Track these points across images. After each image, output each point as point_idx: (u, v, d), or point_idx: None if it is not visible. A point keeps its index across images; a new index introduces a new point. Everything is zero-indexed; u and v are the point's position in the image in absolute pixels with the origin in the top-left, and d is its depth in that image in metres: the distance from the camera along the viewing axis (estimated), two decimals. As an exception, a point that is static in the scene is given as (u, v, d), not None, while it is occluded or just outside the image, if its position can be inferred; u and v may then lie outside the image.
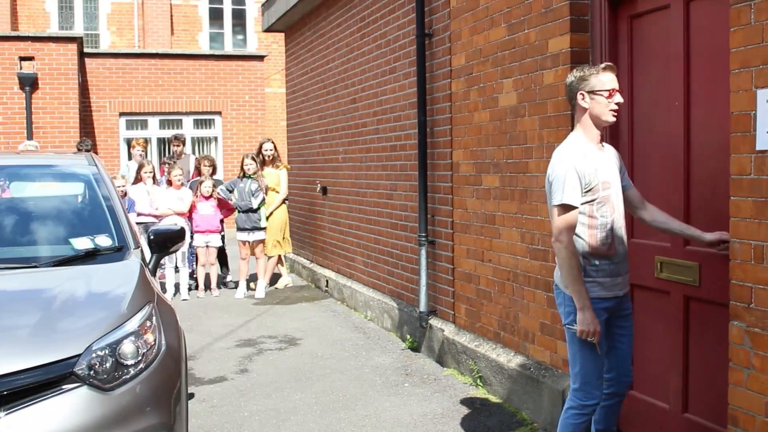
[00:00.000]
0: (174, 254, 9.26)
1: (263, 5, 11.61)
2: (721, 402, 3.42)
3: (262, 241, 9.59)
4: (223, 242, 10.19)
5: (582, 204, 3.41)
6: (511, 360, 5.15)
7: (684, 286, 3.80)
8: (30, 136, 13.46)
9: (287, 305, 8.95)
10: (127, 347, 3.25)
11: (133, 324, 3.36)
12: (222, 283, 10.27)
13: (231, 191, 9.56)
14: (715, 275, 3.57)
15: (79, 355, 3.11)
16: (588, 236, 3.45)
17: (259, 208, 9.51)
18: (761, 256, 3.07)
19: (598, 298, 3.43)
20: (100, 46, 21.76)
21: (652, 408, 4.10)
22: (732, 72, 3.16)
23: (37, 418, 2.95)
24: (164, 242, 4.33)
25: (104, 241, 4.12)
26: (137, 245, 4.19)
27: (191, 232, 9.58)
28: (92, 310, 3.47)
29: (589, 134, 3.53)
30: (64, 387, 3.05)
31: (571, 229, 3.40)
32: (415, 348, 6.67)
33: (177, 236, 4.38)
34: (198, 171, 10.10)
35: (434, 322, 6.35)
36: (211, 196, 9.61)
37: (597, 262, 3.46)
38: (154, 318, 3.49)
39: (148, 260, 4.30)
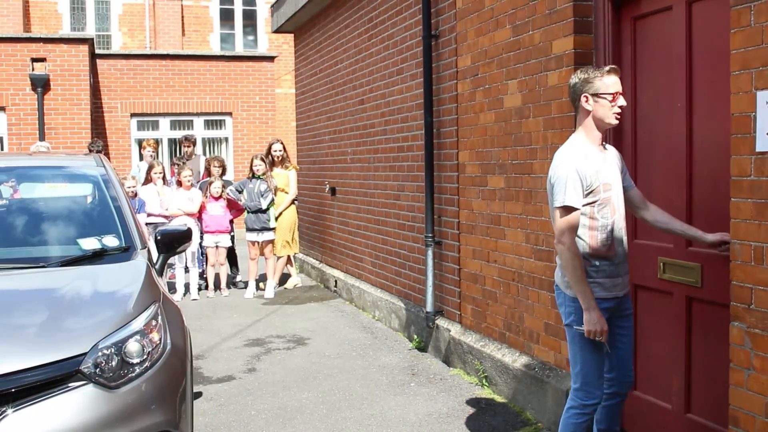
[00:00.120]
0: (184, 254, 9.36)
1: (272, 6, 11.66)
2: (723, 402, 3.43)
3: (272, 242, 9.64)
4: (232, 242, 10.25)
5: (583, 206, 3.43)
6: (516, 360, 5.17)
7: (686, 287, 3.82)
8: (42, 137, 13.56)
9: (296, 305, 8.99)
10: (133, 346, 3.30)
11: (138, 323, 3.40)
12: (231, 283, 10.33)
13: (240, 192, 9.62)
14: (716, 276, 3.58)
15: (85, 354, 3.16)
16: (588, 237, 3.47)
17: (268, 209, 9.56)
18: (761, 257, 3.08)
19: (598, 299, 3.45)
20: (111, 47, 21.89)
21: (655, 408, 4.11)
22: (732, 74, 3.17)
23: (43, 416, 3.00)
24: (171, 242, 4.37)
25: (111, 241, 4.18)
26: (144, 245, 4.24)
27: (201, 233, 9.65)
28: (98, 309, 3.52)
29: (591, 136, 3.54)
30: (70, 385, 3.10)
31: (573, 230, 3.42)
32: (422, 348, 6.69)
33: (184, 236, 4.42)
34: (208, 172, 10.17)
35: (441, 322, 6.38)
36: (220, 196, 9.67)
37: (597, 263, 3.48)
38: (159, 317, 3.54)
39: (155, 260, 4.35)
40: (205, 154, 14.97)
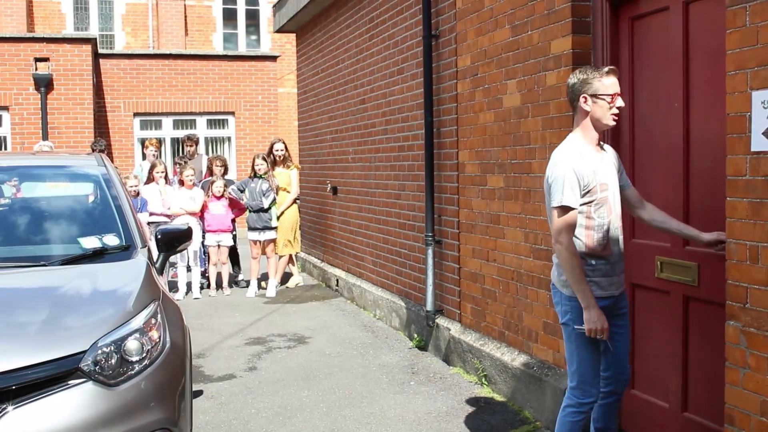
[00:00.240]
0: (186, 254, 9.40)
1: (275, 6, 11.69)
2: (719, 401, 3.44)
3: (273, 241, 9.67)
4: (234, 241, 10.28)
5: (580, 205, 3.45)
6: (515, 359, 5.19)
7: (683, 286, 3.84)
8: (45, 137, 13.61)
9: (297, 304, 9.02)
10: (132, 344, 3.33)
11: (138, 321, 3.43)
12: (233, 282, 10.37)
13: (242, 191, 9.65)
14: (713, 275, 3.60)
15: (84, 352, 3.19)
16: (585, 237, 3.48)
17: (269, 208, 9.59)
18: (756, 256, 3.10)
19: (595, 298, 3.46)
20: (114, 47, 21.94)
21: (653, 407, 4.13)
22: (728, 74, 3.18)
23: (43, 413, 3.03)
24: (171, 241, 4.40)
25: (112, 240, 4.20)
26: (144, 244, 4.27)
27: (203, 232, 9.68)
28: (98, 307, 3.55)
29: (588, 136, 3.55)
30: (70, 382, 3.13)
31: (570, 230, 3.43)
32: (422, 347, 6.71)
33: (184, 235, 4.45)
34: (210, 171, 10.20)
35: (441, 321, 6.40)
36: (222, 195, 9.70)
37: (593, 262, 3.49)
38: (159, 315, 3.57)
39: (156, 259, 4.38)
40: (208, 153, 15.00)
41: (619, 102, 3.50)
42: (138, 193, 9.35)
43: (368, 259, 8.48)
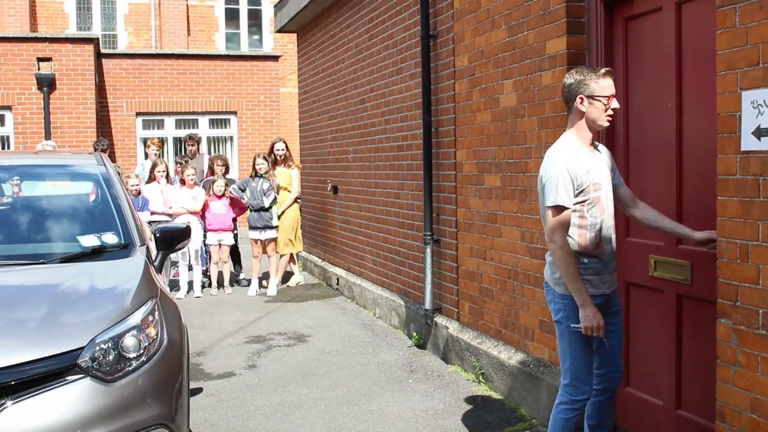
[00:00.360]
0: (187, 253, 9.45)
1: (276, 6, 11.73)
2: (712, 398, 3.47)
3: (274, 240, 9.71)
4: (235, 240, 10.32)
5: (573, 204, 3.48)
6: (512, 357, 5.22)
7: (676, 285, 3.87)
8: (48, 136, 13.67)
9: (298, 303, 9.06)
10: (130, 341, 3.37)
11: (135, 318, 3.48)
12: (235, 280, 10.41)
13: (243, 190, 9.70)
14: (705, 274, 3.62)
15: (82, 348, 3.23)
16: (577, 236, 3.52)
17: (270, 207, 9.63)
18: (746, 254, 3.13)
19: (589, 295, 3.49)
20: (117, 47, 22.01)
21: (647, 404, 4.16)
22: (718, 74, 3.21)
23: (41, 408, 3.08)
24: (170, 240, 4.45)
25: (110, 238, 4.25)
26: (143, 243, 4.31)
27: (204, 231, 9.72)
28: (96, 304, 3.60)
29: (582, 136, 3.58)
30: (68, 378, 3.17)
31: (564, 229, 3.47)
32: (421, 345, 6.75)
33: (183, 234, 4.49)
34: (211, 170, 10.25)
35: (439, 319, 6.43)
36: (223, 195, 9.74)
37: (586, 261, 3.53)
38: (156, 313, 3.61)
39: (155, 257, 4.42)
40: (210, 153, 15.06)
41: (615, 103, 3.53)
42: (139, 192, 9.40)
43: (368, 258, 8.52)
